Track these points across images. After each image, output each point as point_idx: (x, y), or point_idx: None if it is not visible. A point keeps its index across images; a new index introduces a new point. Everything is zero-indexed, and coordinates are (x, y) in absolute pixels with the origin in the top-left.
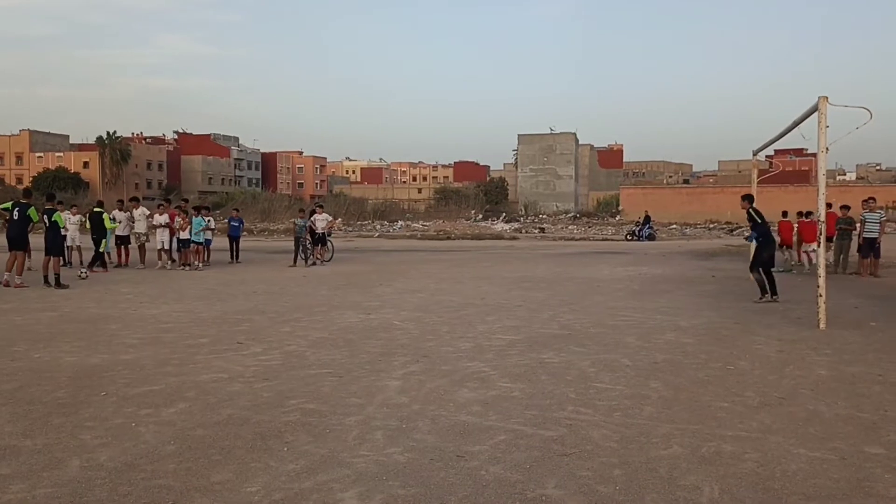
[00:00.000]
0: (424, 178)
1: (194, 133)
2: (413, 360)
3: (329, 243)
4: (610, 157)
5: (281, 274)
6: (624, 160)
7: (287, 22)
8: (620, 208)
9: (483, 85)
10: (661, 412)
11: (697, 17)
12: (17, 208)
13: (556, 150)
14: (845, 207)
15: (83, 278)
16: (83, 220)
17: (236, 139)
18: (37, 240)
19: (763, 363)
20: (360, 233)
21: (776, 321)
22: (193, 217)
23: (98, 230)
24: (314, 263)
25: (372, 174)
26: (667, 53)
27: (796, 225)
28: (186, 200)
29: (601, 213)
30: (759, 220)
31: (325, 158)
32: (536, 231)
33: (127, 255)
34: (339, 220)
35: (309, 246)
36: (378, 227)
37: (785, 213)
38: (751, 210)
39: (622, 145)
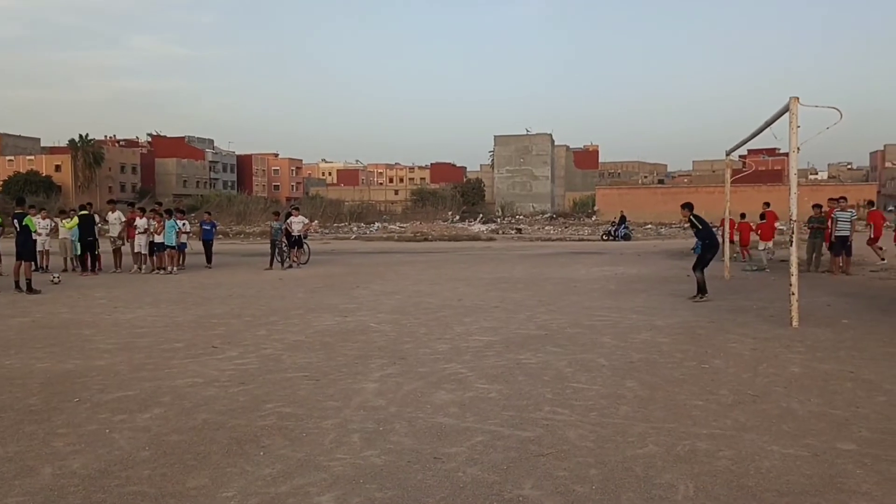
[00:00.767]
0: (401, 180)
1: (168, 136)
2: (390, 363)
3: (305, 246)
4: (586, 157)
5: (257, 277)
6: (599, 161)
7: (261, 23)
8: (596, 208)
9: (459, 86)
10: (637, 411)
11: (672, 20)
12: None
13: (533, 151)
14: (817, 206)
15: (55, 283)
16: (53, 224)
17: (211, 141)
18: (7, 244)
19: (737, 361)
20: (337, 235)
21: (750, 319)
22: (166, 220)
23: (89, 231)
24: (290, 266)
25: (348, 176)
26: (642, 56)
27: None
28: (160, 203)
29: (577, 214)
30: (701, 227)
31: (301, 160)
32: (513, 232)
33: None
34: (316, 222)
35: (285, 248)
36: (355, 228)
37: (743, 215)
38: (692, 217)
39: (598, 146)
